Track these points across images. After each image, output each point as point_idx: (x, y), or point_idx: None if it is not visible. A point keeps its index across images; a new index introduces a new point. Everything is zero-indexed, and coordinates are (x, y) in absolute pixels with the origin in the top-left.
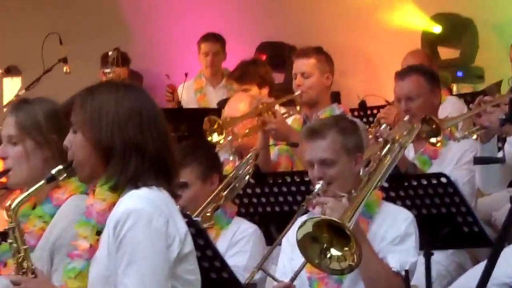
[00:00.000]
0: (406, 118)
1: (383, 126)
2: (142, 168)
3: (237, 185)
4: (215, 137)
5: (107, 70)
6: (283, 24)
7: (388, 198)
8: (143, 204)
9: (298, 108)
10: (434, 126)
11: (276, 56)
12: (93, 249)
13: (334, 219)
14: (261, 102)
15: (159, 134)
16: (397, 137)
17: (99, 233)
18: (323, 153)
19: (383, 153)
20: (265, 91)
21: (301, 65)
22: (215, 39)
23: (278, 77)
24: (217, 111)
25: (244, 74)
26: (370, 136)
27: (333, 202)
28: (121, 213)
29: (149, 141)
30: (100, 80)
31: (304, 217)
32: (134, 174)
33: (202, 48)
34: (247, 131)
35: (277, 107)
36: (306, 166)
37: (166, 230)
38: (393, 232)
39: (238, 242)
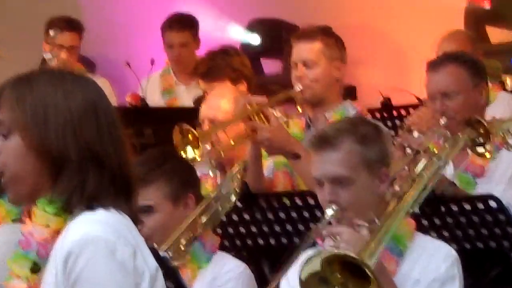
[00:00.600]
0: (443, 121)
1: (415, 134)
2: (101, 184)
3: (219, 209)
4: (189, 152)
5: (52, 34)
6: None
7: (419, 228)
8: (103, 231)
9: (298, 108)
10: (481, 131)
11: (272, 38)
12: None
13: (352, 254)
14: (250, 101)
15: (118, 139)
16: (431, 148)
17: (39, 270)
18: (337, 169)
19: (419, 169)
20: (241, 87)
21: (303, 51)
22: (181, 25)
23: (275, 65)
24: (193, 112)
25: (212, 68)
26: (395, 145)
27: (349, 233)
28: (74, 242)
29: (109, 149)
30: (41, 58)
31: (310, 252)
32: (92, 192)
33: (166, 38)
34: (231, 141)
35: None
36: (309, 185)
37: (134, 263)
38: (430, 274)
39: (221, 286)
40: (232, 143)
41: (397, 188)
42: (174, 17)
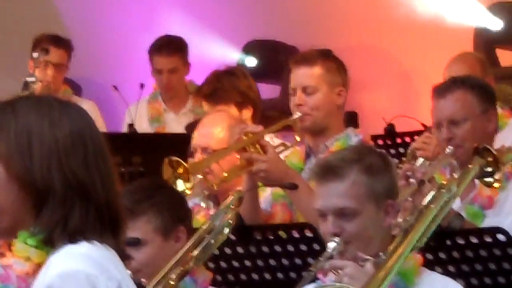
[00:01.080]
0: (449, 149)
1: (420, 161)
2: (87, 217)
3: (212, 242)
4: (180, 185)
5: (35, 56)
6: (278, 19)
7: (424, 262)
8: (85, 264)
9: (297, 137)
10: (490, 159)
11: (269, 61)
12: None
13: None
14: (245, 130)
15: (106, 171)
16: (437, 178)
17: None
18: (341, 201)
19: (426, 200)
20: (247, 113)
21: (302, 76)
22: (170, 50)
23: (271, 90)
24: (184, 138)
25: (217, 90)
26: (400, 174)
27: (353, 267)
28: (55, 277)
29: (96, 180)
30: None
31: (311, 286)
32: (76, 226)
33: (154, 62)
34: (225, 174)
35: (268, 137)
36: (308, 217)
37: None
38: None
39: None
40: (226, 175)
41: (399, 219)
42: (163, 40)
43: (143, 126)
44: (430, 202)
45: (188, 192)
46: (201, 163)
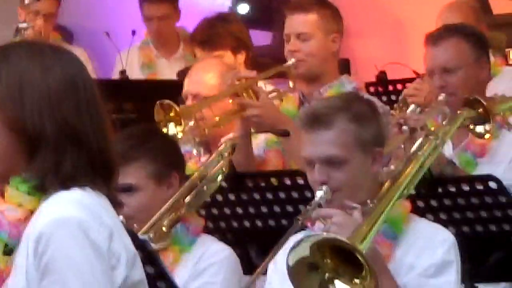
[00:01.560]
0: (442, 97)
1: (411, 107)
2: (78, 164)
3: (204, 189)
4: (171, 129)
5: (27, 1)
6: None
7: (415, 210)
8: (77, 211)
9: (291, 83)
10: (481, 110)
11: (260, 8)
12: (3, 274)
13: (342, 238)
14: (238, 75)
15: (99, 118)
16: (429, 126)
17: (11, 251)
18: (329, 149)
19: (414, 147)
20: (241, 57)
21: (297, 23)
22: None
23: (263, 37)
24: (176, 85)
25: (212, 36)
26: (392, 122)
27: (341, 215)
28: (46, 224)
29: (88, 127)
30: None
31: (299, 236)
32: (68, 172)
33: (144, 10)
34: (217, 118)
35: (261, 83)
36: (300, 164)
37: (109, 246)
38: (426, 259)
39: (204, 270)
40: (218, 119)
41: (392, 167)
42: None
43: (135, 73)
44: (418, 149)
45: (179, 135)
46: (193, 107)
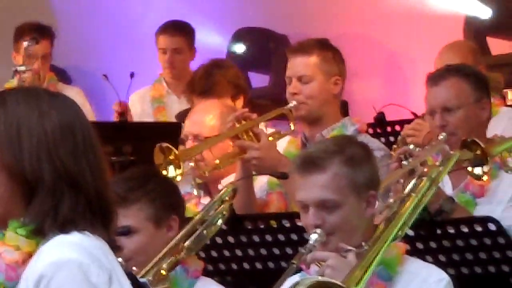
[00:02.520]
0: (442, 136)
1: (410, 147)
2: (76, 207)
3: (204, 233)
4: (171, 171)
5: (26, 45)
6: (269, 7)
7: (414, 252)
8: (77, 253)
9: (291, 126)
10: (478, 152)
11: (258, 48)
12: None
13: (336, 282)
14: (239, 115)
15: (96, 161)
16: (426, 168)
17: None
18: (323, 192)
19: (408, 189)
20: (239, 102)
21: (298, 65)
22: (175, 30)
23: (260, 79)
24: (175, 127)
25: (210, 85)
26: (393, 156)
27: (336, 259)
28: (47, 265)
29: (85, 171)
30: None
31: (295, 278)
32: (66, 216)
33: (159, 42)
34: (217, 161)
35: (262, 125)
36: (298, 208)
37: None
38: None
39: None
40: (218, 162)
41: (391, 200)
42: (171, 22)
43: (144, 116)
44: (412, 190)
45: (178, 178)
46: (192, 150)
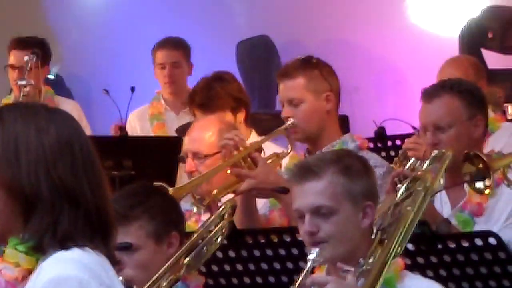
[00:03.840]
0: (434, 154)
1: (412, 161)
2: (76, 224)
3: (204, 249)
4: None
5: (26, 59)
6: (265, 16)
7: (414, 266)
8: (77, 270)
9: (289, 147)
10: (480, 166)
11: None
12: None
13: None
14: (234, 138)
15: (95, 177)
16: (419, 172)
17: None
18: (318, 199)
19: (400, 193)
20: (240, 116)
21: (287, 89)
22: (173, 45)
23: None
24: (175, 142)
25: (211, 98)
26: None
27: (335, 283)
28: (47, 282)
29: (84, 186)
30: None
31: None
32: (66, 232)
33: (157, 58)
34: (214, 192)
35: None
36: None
37: None
38: None
39: None
40: (215, 193)
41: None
42: (168, 38)
43: (146, 128)
44: (407, 206)
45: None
46: (187, 186)
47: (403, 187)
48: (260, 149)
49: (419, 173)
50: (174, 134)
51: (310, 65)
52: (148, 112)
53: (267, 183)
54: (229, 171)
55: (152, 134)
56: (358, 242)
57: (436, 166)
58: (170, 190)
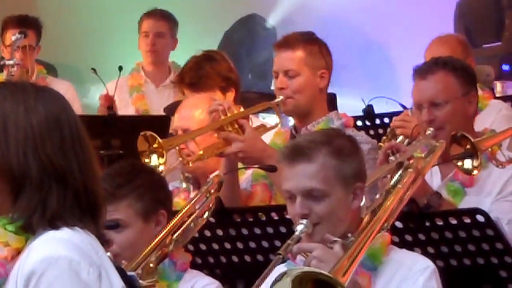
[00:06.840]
0: (430, 131)
1: (399, 139)
2: (64, 203)
3: (192, 225)
4: (153, 160)
5: (14, 38)
6: None
7: (403, 244)
8: (67, 250)
9: (278, 119)
10: (468, 147)
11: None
12: None
13: (323, 272)
14: (221, 104)
15: (84, 155)
16: (412, 160)
17: None
18: (310, 182)
19: (393, 181)
20: (230, 95)
21: (284, 60)
22: (160, 16)
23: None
24: (165, 120)
25: (200, 77)
26: (381, 149)
27: (322, 249)
28: (37, 262)
29: (73, 165)
30: None
31: (282, 268)
32: (54, 211)
33: (143, 26)
34: (200, 152)
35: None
36: (285, 198)
37: (99, 285)
38: None
39: None
40: (201, 153)
41: (377, 196)
42: (154, 9)
43: (123, 106)
44: (397, 182)
45: (161, 167)
46: (176, 139)
47: (397, 175)
48: (248, 118)
49: (411, 161)
50: (153, 107)
51: (311, 40)
52: (127, 84)
53: (254, 148)
54: (216, 135)
55: (131, 105)
56: (349, 223)
57: (424, 143)
58: (161, 140)
